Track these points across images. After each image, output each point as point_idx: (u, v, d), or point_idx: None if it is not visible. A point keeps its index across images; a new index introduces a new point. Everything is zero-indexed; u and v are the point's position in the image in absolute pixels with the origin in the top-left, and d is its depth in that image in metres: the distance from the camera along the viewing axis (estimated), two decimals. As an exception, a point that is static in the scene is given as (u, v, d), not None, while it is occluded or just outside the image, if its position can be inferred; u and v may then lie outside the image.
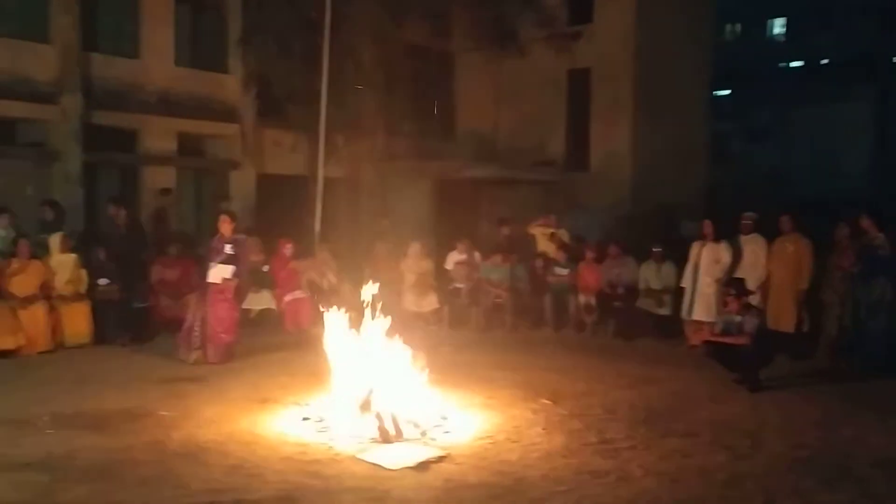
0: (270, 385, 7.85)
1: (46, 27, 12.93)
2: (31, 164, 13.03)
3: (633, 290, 11.20)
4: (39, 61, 12.82)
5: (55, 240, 10.15)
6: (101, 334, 9.87)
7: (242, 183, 15.52)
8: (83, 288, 10.05)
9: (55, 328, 9.56)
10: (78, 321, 9.79)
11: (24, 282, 9.54)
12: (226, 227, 8.71)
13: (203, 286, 8.70)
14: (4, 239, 10.55)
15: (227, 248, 8.64)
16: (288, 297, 11.09)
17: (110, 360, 8.59)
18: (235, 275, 8.66)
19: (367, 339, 6.49)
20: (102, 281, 10.03)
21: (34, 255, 9.85)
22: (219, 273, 8.56)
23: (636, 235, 14.14)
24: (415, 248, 11.76)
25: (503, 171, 16.90)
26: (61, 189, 12.96)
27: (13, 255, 9.76)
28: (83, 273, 10.11)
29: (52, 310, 9.60)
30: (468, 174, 16.53)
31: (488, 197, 17.75)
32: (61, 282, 9.89)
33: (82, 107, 13.14)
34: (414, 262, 11.73)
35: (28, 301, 9.40)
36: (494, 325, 11.70)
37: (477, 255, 12.07)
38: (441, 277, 11.96)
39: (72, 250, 10.21)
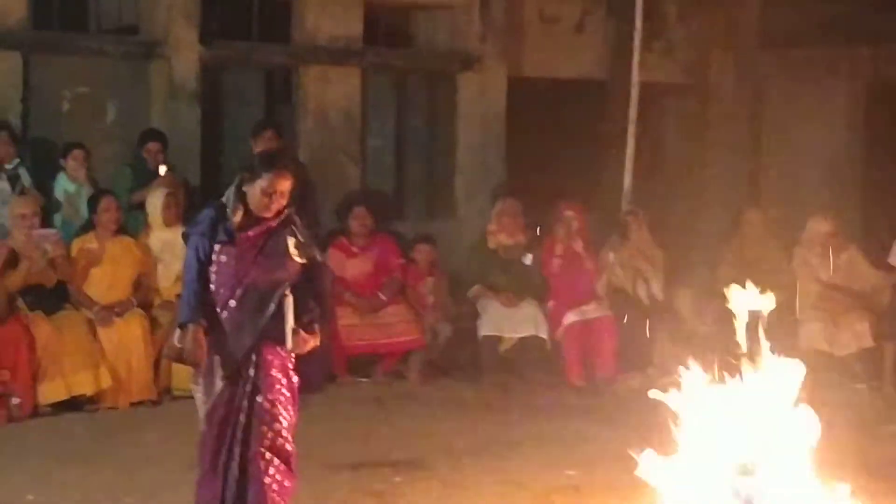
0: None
1: None
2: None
3: None
4: None
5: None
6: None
7: (481, 96, 10.07)
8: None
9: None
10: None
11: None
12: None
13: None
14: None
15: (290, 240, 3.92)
16: (572, 317, 8.10)
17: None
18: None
19: (741, 407, 4.35)
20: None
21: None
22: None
23: None
24: (820, 226, 8.30)
25: None
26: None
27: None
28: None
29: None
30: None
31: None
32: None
33: None
34: (818, 255, 8.23)
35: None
36: None
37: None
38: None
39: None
